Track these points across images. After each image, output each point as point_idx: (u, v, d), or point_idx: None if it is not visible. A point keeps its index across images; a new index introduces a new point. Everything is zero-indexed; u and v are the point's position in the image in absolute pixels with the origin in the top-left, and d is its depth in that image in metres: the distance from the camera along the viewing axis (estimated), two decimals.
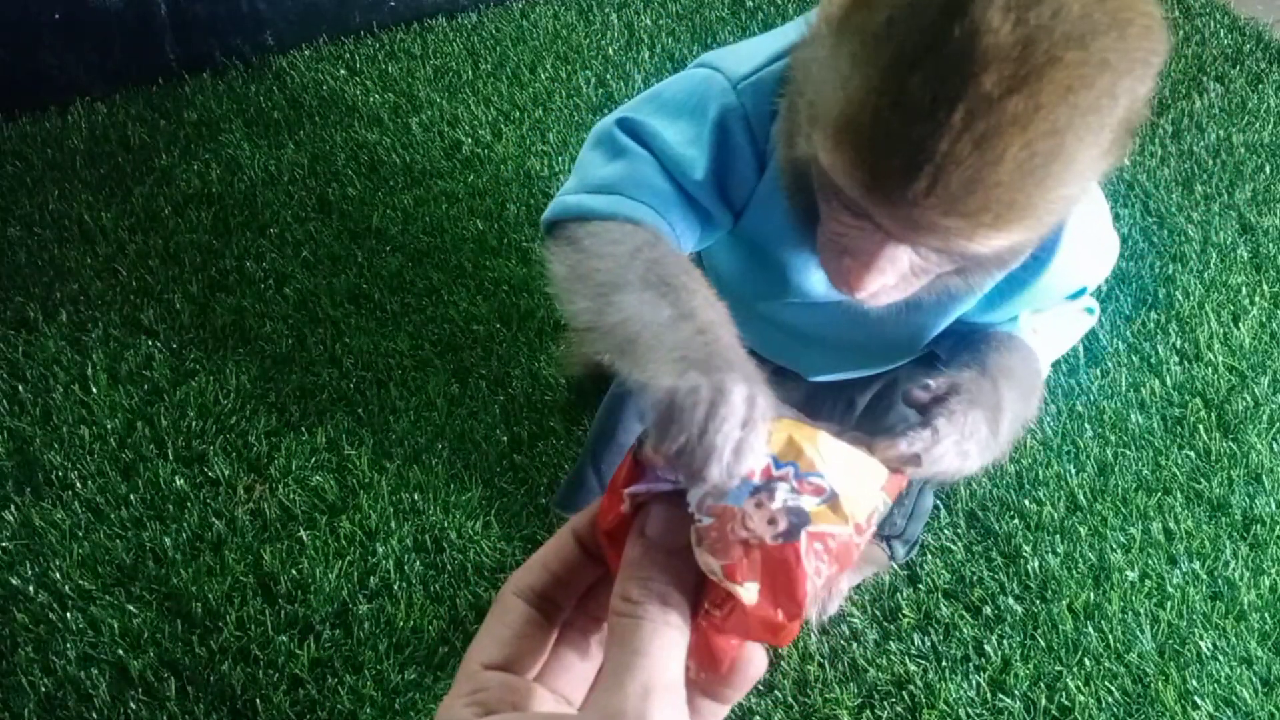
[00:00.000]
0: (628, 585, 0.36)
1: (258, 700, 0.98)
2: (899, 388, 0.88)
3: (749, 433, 0.43)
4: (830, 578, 0.37)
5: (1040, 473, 1.14)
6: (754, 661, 0.38)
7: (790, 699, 0.98)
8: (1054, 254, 0.67)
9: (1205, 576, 1.06)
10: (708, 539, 0.37)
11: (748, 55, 0.67)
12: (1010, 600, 1.04)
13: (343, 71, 1.68)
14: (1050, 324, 0.75)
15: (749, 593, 0.36)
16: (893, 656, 1.00)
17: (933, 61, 0.45)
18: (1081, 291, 0.74)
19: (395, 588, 1.05)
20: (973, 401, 0.60)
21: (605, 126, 0.70)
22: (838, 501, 0.37)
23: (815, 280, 0.72)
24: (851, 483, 0.38)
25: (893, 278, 0.56)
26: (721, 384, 0.45)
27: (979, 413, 0.59)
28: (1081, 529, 1.09)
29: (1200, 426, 1.18)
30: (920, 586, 1.06)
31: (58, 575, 1.06)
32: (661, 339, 0.53)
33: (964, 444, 0.58)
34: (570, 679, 0.39)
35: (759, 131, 0.66)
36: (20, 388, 1.23)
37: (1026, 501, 1.11)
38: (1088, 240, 0.69)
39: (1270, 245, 1.40)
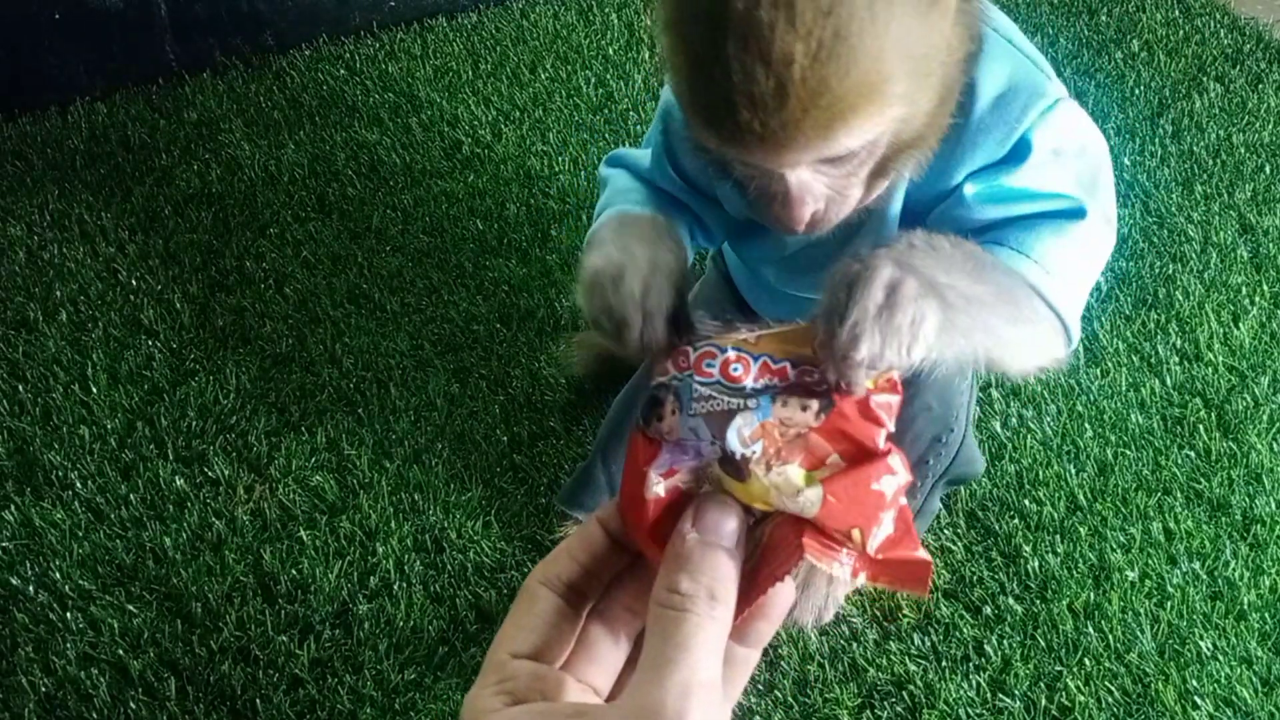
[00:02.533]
0: (676, 577, 0.36)
1: (258, 700, 0.98)
2: None
3: (647, 295, 0.51)
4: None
5: (1040, 473, 1.14)
6: (783, 591, 0.38)
7: (790, 699, 0.98)
8: (1025, 156, 0.68)
9: (1205, 576, 1.06)
10: (770, 458, 0.38)
11: None
12: (1010, 600, 1.04)
13: (343, 71, 1.68)
14: (1055, 252, 0.69)
15: (837, 462, 0.38)
16: (893, 656, 1.00)
17: (700, 13, 0.51)
18: (1025, 146, 0.68)
19: (395, 588, 1.05)
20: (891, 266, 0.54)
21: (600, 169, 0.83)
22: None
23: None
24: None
25: (818, 201, 0.59)
26: (622, 263, 0.54)
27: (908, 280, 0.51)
28: (1081, 529, 1.09)
29: (1200, 426, 1.18)
30: None
31: (58, 575, 1.06)
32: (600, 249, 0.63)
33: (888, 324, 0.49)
34: (596, 669, 0.39)
35: None
36: (20, 388, 1.23)
37: (1026, 501, 1.11)
38: (1015, 88, 0.68)
39: (1270, 245, 1.39)
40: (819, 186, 0.58)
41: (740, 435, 0.38)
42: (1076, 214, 0.69)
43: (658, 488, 0.39)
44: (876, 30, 0.50)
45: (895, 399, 0.40)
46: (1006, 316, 0.64)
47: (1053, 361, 0.69)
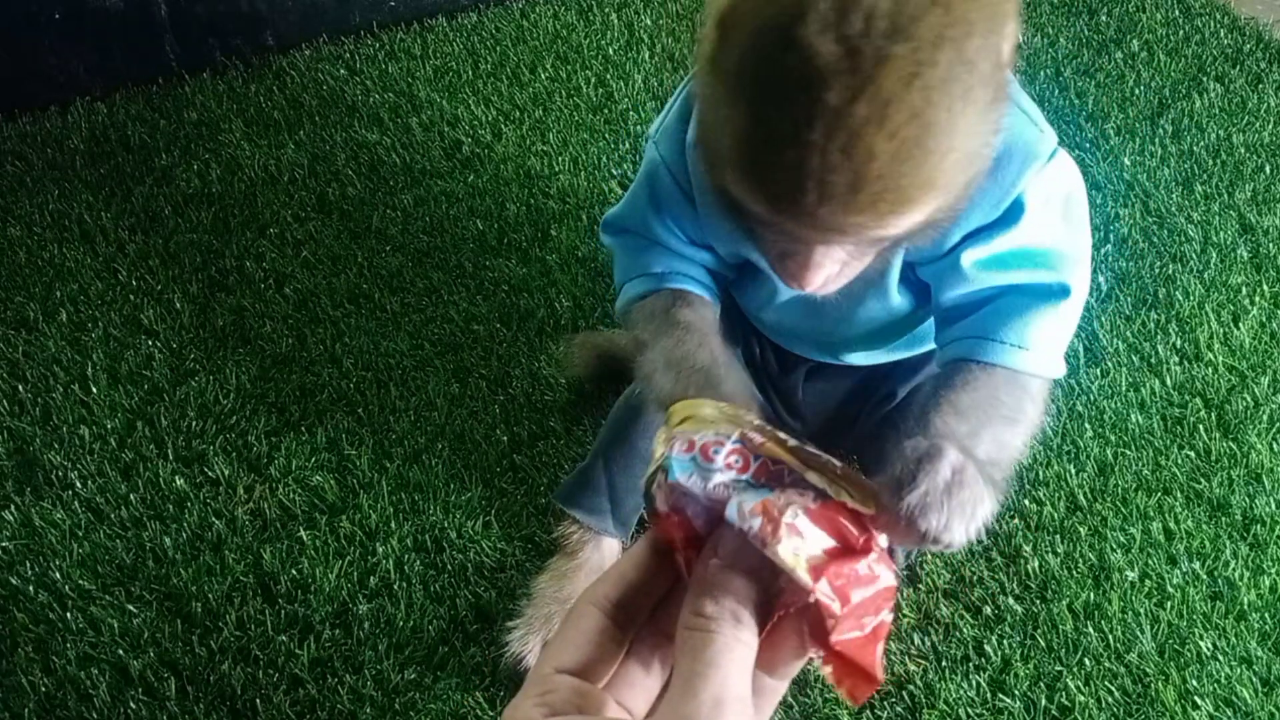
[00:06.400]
0: (701, 601, 0.37)
1: (258, 700, 0.98)
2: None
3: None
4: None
5: (1040, 473, 1.14)
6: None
7: (790, 699, 0.98)
8: (1019, 217, 0.69)
9: (1205, 576, 1.06)
10: (767, 535, 0.38)
11: (664, 111, 0.78)
12: (1010, 600, 1.04)
13: (343, 71, 1.68)
14: (1045, 333, 0.74)
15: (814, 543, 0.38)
16: (893, 656, 1.00)
17: (783, 91, 0.49)
18: (1019, 207, 0.70)
19: (395, 588, 1.05)
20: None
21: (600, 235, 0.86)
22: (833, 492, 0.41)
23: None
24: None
25: (834, 267, 0.60)
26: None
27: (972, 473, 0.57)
28: (1081, 529, 1.09)
29: (1200, 426, 1.18)
30: (920, 586, 1.06)
31: (58, 575, 1.06)
32: (668, 363, 0.71)
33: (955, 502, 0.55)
34: (635, 692, 0.39)
35: (678, 173, 0.76)
36: (20, 388, 1.23)
37: (1026, 501, 1.11)
38: (1010, 149, 0.68)
39: (1270, 245, 1.39)
40: (839, 254, 0.59)
41: (740, 510, 0.39)
42: (1062, 292, 0.72)
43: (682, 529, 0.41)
44: (951, 131, 0.50)
45: (871, 513, 0.41)
46: (1025, 436, 0.70)
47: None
